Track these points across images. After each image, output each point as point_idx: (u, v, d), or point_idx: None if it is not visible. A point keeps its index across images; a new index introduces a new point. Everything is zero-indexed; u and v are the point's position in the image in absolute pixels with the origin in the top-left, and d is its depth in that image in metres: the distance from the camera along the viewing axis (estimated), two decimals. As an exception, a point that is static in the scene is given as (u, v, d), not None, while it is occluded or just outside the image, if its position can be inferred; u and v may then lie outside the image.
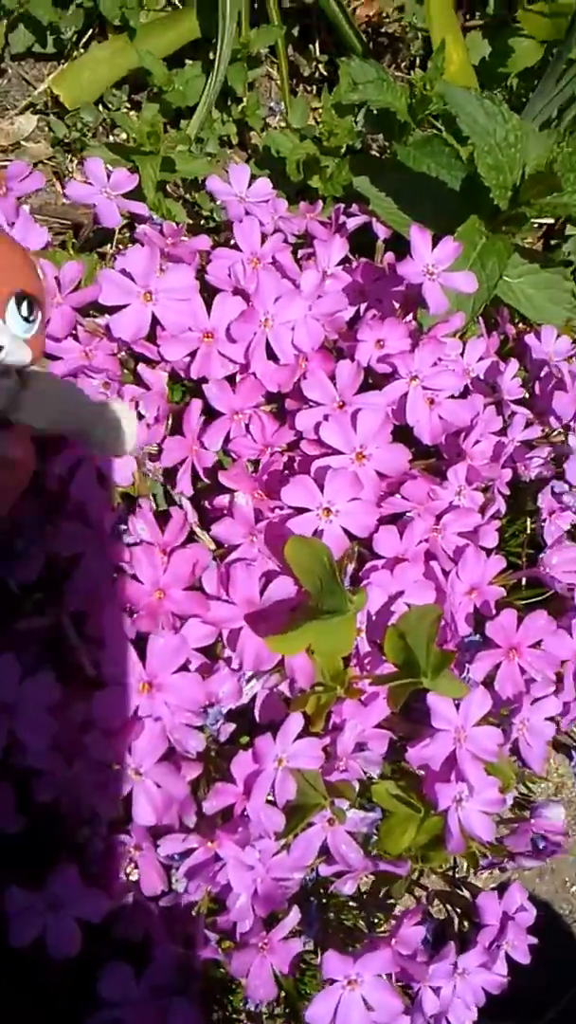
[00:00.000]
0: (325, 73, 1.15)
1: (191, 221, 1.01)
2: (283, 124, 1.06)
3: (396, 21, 1.18)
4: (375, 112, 1.00)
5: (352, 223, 0.87)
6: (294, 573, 0.61)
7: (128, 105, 1.06)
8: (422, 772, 0.68)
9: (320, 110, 1.11)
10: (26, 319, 0.56)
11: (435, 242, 0.76)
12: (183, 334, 0.72)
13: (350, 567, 0.68)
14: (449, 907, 0.82)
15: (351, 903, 0.84)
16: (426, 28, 1.13)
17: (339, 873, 0.71)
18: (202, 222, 1.01)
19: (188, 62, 1.03)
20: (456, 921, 0.81)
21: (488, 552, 0.74)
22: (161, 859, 0.63)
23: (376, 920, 0.84)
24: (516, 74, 1.17)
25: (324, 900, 0.80)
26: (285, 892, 0.66)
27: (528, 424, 0.82)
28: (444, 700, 0.65)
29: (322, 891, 0.77)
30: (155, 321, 0.71)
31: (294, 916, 0.68)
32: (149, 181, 0.86)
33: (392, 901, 0.83)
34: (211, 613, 0.64)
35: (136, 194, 0.82)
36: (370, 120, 1.01)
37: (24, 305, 0.55)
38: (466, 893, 0.81)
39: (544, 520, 0.79)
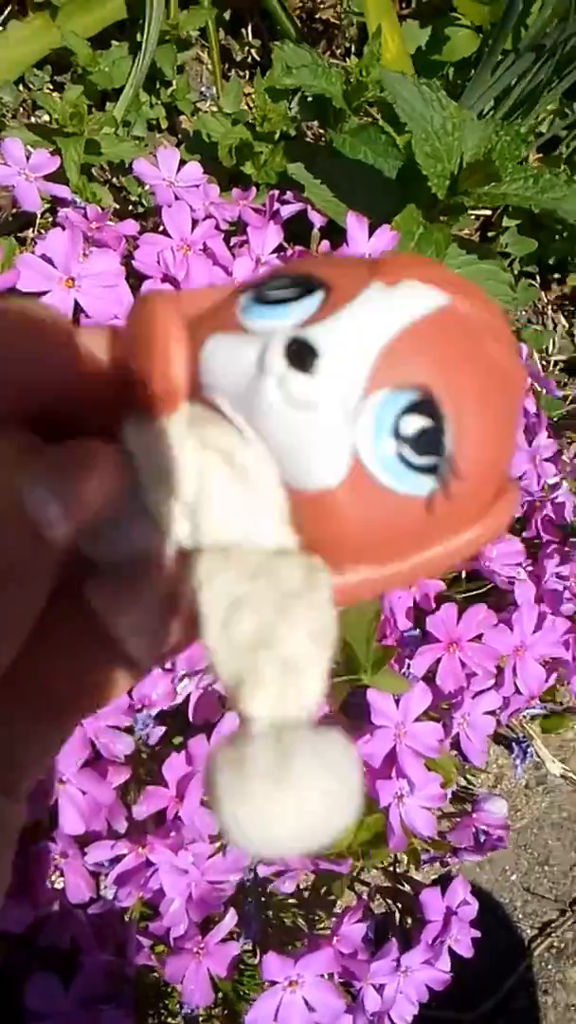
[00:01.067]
0: (258, 58, 1.13)
1: (118, 206, 0.98)
2: (214, 109, 1.04)
3: (331, 7, 1.16)
4: (309, 98, 0.98)
5: (287, 211, 0.85)
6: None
7: (51, 86, 1.02)
8: (363, 769, 0.67)
9: (253, 96, 1.09)
10: (411, 446, 0.18)
11: (372, 231, 0.75)
12: (108, 322, 0.69)
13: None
14: (390, 903, 0.81)
15: (291, 901, 0.83)
16: (362, 14, 1.11)
17: (277, 873, 0.70)
18: (130, 207, 0.99)
19: (114, 43, 1.00)
20: (398, 917, 0.81)
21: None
22: (89, 866, 0.61)
23: (317, 918, 0.83)
24: (452, 64, 1.17)
25: (263, 899, 0.79)
26: (221, 895, 0.65)
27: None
28: (384, 696, 0.64)
29: (260, 890, 0.76)
30: (79, 308, 0.68)
31: (231, 919, 0.66)
32: (72, 163, 0.83)
33: (333, 898, 0.82)
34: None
35: (59, 177, 0.79)
36: (304, 106, 0.99)
37: (418, 421, 0.18)
38: (408, 888, 0.80)
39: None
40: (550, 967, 1.29)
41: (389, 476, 0.17)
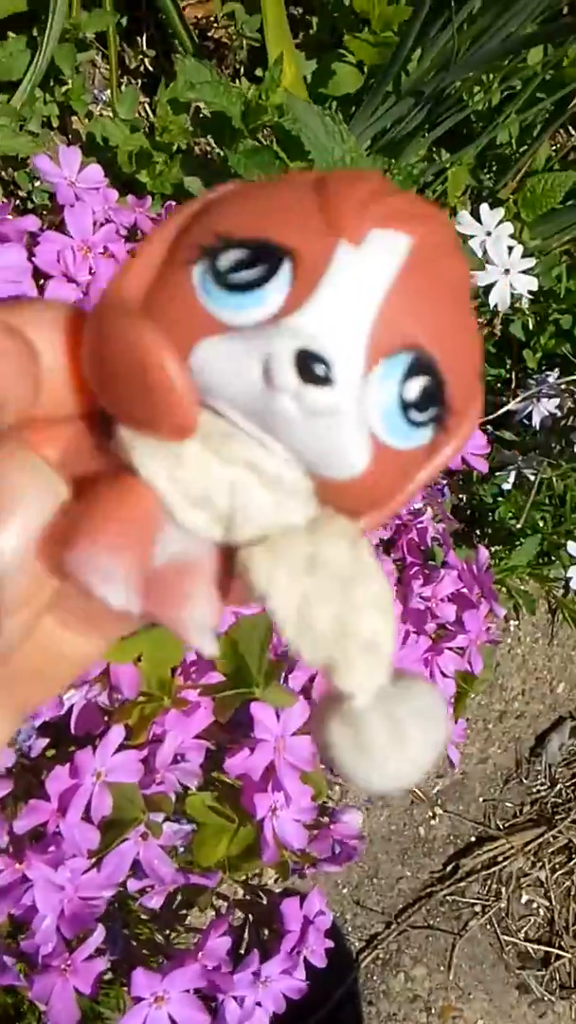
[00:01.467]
0: (151, 69, 1.13)
1: (4, 201, 0.95)
2: (106, 113, 1.03)
3: (224, 28, 1.18)
4: (204, 115, 0.99)
5: (183, 223, 0.86)
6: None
7: None
8: (239, 782, 0.68)
9: (146, 105, 1.09)
10: (415, 408, 0.18)
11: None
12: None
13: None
14: (246, 914, 0.82)
15: (143, 916, 0.82)
16: (254, 38, 1.14)
17: (144, 889, 0.69)
18: (16, 203, 0.96)
19: (11, 35, 0.97)
20: (255, 928, 0.81)
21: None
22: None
23: (171, 933, 0.82)
24: (335, 98, 1.20)
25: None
26: (94, 911, 0.64)
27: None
28: (267, 710, 0.65)
29: (117, 906, 0.75)
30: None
31: (99, 935, 0.65)
32: (-35, 153, 0.81)
33: (185, 912, 0.82)
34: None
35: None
36: (199, 122, 1.00)
37: (419, 383, 0.17)
38: (263, 900, 0.82)
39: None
40: (375, 978, 1.33)
41: (401, 439, 0.18)
